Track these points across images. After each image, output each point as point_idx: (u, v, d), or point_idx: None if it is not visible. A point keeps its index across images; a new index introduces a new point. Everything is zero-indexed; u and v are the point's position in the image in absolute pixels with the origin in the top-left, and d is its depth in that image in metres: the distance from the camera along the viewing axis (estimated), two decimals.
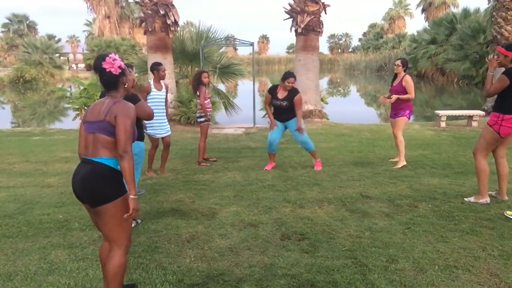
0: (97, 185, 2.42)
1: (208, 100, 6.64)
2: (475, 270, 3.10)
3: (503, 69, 4.36)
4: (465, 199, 4.71)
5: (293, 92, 5.94)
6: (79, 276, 3.10)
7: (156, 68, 5.69)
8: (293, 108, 5.99)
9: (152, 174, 5.98)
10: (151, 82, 5.70)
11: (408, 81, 6.13)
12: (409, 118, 6.33)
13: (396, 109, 6.27)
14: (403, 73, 6.24)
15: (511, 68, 4.28)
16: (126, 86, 2.63)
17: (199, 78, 6.46)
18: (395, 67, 6.33)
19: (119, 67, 2.55)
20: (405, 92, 6.14)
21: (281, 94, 5.99)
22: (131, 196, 2.44)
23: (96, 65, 2.54)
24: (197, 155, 6.86)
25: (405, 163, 6.30)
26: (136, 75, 5.18)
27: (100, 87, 11.07)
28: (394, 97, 6.14)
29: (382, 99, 6.49)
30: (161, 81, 5.78)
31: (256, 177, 5.86)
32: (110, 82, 2.55)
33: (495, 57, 4.43)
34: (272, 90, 6.10)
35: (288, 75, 5.89)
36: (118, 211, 2.45)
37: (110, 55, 2.53)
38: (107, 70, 2.51)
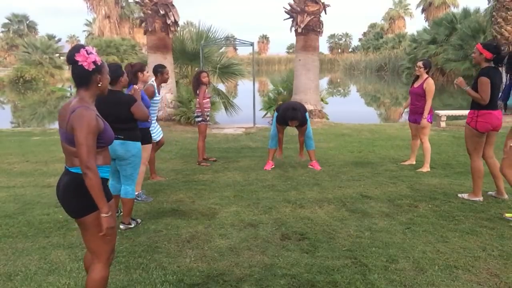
0: (74, 197, 2.31)
1: (208, 100, 6.64)
2: (475, 270, 3.10)
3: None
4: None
5: (303, 123, 5.98)
6: (79, 276, 3.09)
7: (161, 70, 5.41)
8: None
9: (159, 179, 5.74)
10: (154, 85, 5.32)
11: (430, 85, 5.89)
12: (431, 122, 6.14)
13: (417, 113, 6.07)
14: (425, 75, 6.01)
15: (485, 67, 4.41)
16: (100, 85, 2.36)
17: (198, 78, 6.49)
18: (417, 68, 6.10)
19: (93, 62, 2.28)
20: (425, 95, 5.93)
21: (292, 124, 5.98)
22: (103, 215, 2.24)
23: (69, 56, 2.29)
24: (197, 155, 6.86)
25: (429, 169, 6.09)
26: (148, 74, 5.02)
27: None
28: (423, 121, 5.95)
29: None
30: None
31: (256, 177, 5.86)
32: (80, 77, 2.30)
33: (473, 54, 4.57)
34: (283, 122, 6.02)
35: (291, 118, 5.80)
36: (97, 224, 2.28)
37: (86, 48, 2.28)
38: (79, 63, 2.26)
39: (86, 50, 2.27)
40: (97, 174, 2.22)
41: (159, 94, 5.40)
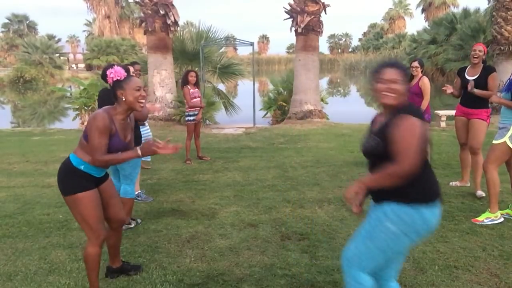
0: (59, 177, 2.66)
1: (198, 99, 6.66)
2: (475, 270, 3.10)
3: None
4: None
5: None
6: (79, 276, 3.10)
7: None
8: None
9: None
10: None
11: (426, 83, 5.92)
12: (429, 122, 6.14)
13: None
14: (420, 74, 6.04)
15: (488, 64, 4.97)
16: (124, 100, 2.57)
17: (184, 76, 6.69)
18: (413, 69, 6.06)
19: (112, 78, 2.60)
20: (422, 93, 5.94)
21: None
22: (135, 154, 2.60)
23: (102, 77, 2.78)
24: (195, 155, 6.92)
25: None
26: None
27: (99, 87, 11.06)
28: None
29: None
30: None
31: (256, 177, 5.86)
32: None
33: (479, 54, 4.87)
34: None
35: None
36: (72, 206, 2.61)
37: (112, 66, 2.66)
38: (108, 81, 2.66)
39: (111, 67, 2.62)
40: (104, 160, 2.54)
41: None
